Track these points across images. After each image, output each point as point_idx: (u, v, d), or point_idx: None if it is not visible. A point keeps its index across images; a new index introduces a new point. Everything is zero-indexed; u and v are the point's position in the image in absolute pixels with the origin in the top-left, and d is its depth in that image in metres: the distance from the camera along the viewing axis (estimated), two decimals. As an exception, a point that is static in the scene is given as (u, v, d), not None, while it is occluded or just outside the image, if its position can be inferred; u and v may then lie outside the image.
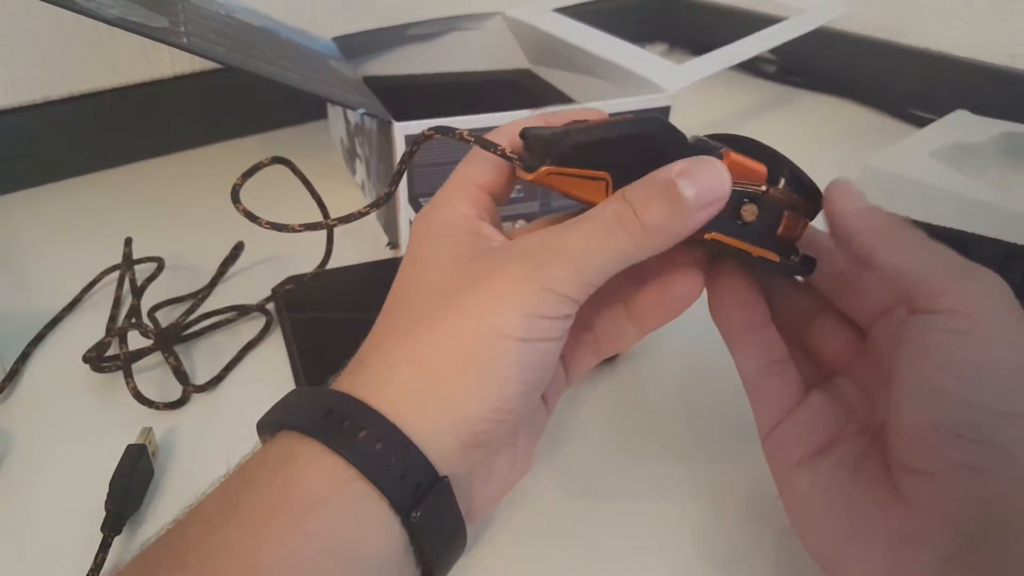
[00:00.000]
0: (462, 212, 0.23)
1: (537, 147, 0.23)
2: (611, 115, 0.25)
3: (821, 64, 0.72)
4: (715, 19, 0.80)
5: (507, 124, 0.25)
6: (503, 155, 0.23)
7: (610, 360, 0.35)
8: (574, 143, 0.21)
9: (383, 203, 0.26)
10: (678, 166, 0.20)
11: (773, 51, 0.71)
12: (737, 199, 0.21)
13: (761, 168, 0.22)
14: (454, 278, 0.21)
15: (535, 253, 0.20)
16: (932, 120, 0.59)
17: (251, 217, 0.27)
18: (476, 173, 0.24)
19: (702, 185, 0.20)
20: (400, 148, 0.40)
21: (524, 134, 0.24)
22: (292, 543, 0.17)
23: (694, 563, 0.26)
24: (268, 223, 0.27)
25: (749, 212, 0.22)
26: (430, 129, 0.24)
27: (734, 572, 0.26)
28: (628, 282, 0.24)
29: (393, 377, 0.20)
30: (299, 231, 0.27)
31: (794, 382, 0.24)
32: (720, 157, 0.21)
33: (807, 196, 0.23)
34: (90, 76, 0.53)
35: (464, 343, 0.19)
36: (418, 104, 0.54)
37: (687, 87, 0.47)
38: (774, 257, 0.22)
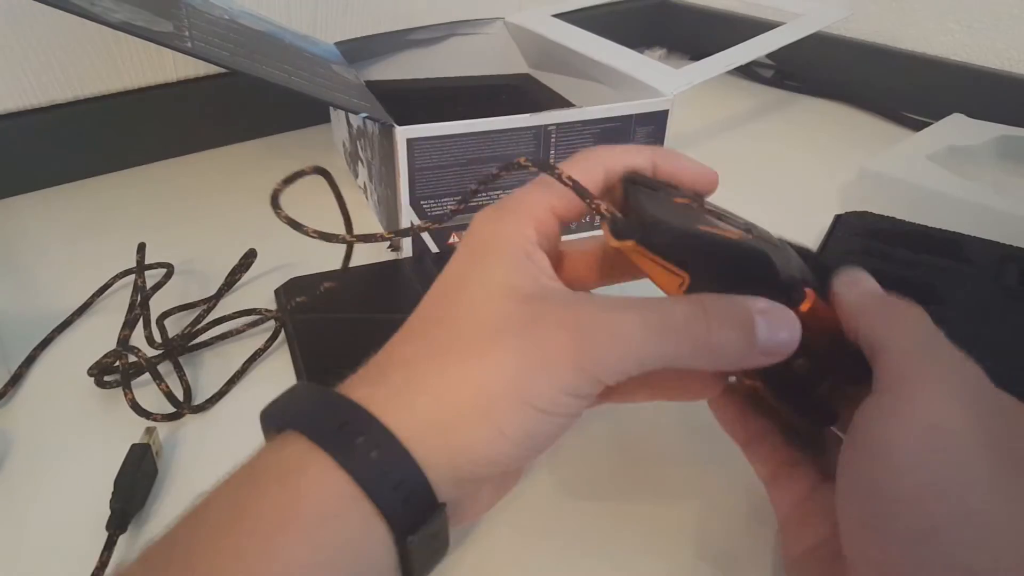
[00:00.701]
0: (525, 233, 0.22)
1: (633, 209, 0.22)
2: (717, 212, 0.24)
3: (818, 69, 0.72)
4: (713, 24, 0.80)
5: (606, 150, 0.24)
6: (596, 210, 0.22)
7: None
8: (672, 241, 0.21)
9: (449, 220, 0.26)
10: (761, 304, 0.20)
11: (770, 56, 0.72)
12: (798, 350, 0.21)
13: (836, 320, 0.21)
14: (498, 314, 0.20)
15: (589, 331, 0.20)
16: (928, 124, 0.59)
17: (295, 225, 0.26)
18: (553, 195, 0.23)
19: (775, 333, 0.20)
20: (401, 151, 0.41)
21: (629, 181, 0.23)
22: (299, 555, 0.17)
23: (692, 564, 0.26)
24: (316, 232, 0.26)
25: (801, 366, 0.21)
26: (526, 160, 0.24)
27: (732, 573, 0.26)
28: None
29: (412, 403, 0.20)
30: (351, 241, 0.26)
31: (804, 480, 0.24)
32: (804, 296, 0.21)
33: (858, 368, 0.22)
34: (95, 80, 0.53)
35: (487, 398, 0.19)
36: (420, 108, 0.55)
37: (685, 91, 0.48)
38: (804, 426, 0.22)
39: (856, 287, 0.22)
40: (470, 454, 0.19)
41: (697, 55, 0.54)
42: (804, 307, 0.21)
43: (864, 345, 0.21)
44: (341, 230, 0.26)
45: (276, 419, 0.20)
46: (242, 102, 0.59)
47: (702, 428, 0.32)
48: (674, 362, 0.20)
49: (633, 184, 0.23)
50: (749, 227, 0.23)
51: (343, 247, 0.40)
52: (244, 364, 0.35)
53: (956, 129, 0.56)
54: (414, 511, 0.19)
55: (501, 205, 0.23)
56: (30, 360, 0.36)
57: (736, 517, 0.28)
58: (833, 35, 0.71)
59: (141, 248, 0.41)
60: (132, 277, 0.41)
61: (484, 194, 0.29)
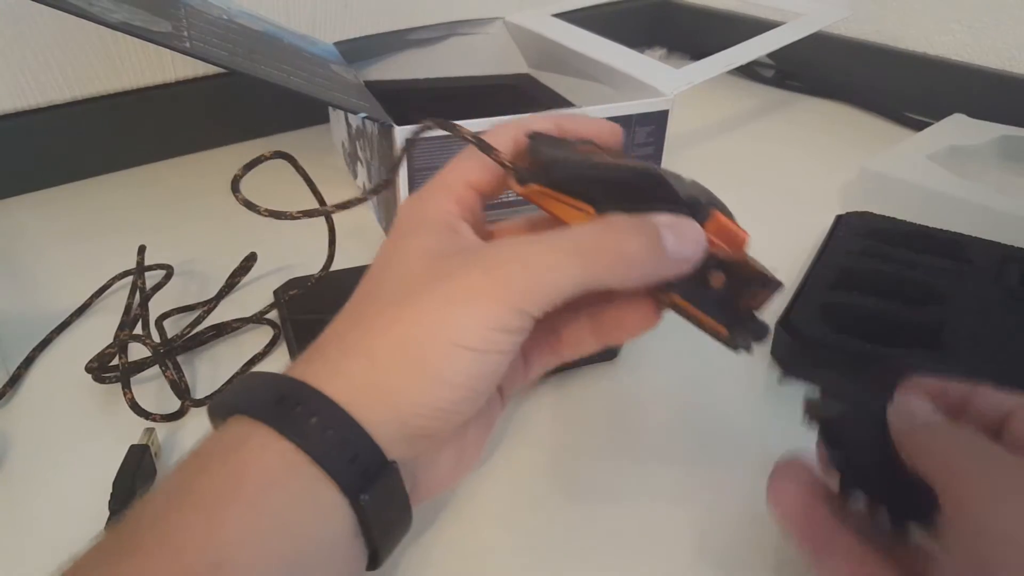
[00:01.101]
0: (445, 208, 0.23)
1: (536, 159, 0.23)
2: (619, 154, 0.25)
3: (819, 68, 0.72)
4: (713, 24, 0.80)
5: (514, 121, 0.25)
6: (498, 160, 0.23)
7: (610, 360, 0.36)
8: (569, 173, 0.22)
9: (381, 190, 0.27)
10: (664, 217, 0.21)
11: (771, 56, 0.72)
12: (710, 263, 0.22)
13: (743, 235, 0.22)
14: (420, 273, 0.21)
15: (503, 264, 0.20)
16: (929, 124, 0.59)
17: (250, 206, 0.28)
18: (469, 170, 0.24)
19: (680, 242, 0.21)
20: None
21: (532, 137, 0.24)
22: (246, 523, 0.18)
23: (693, 566, 0.26)
24: (267, 211, 0.27)
25: (717, 279, 0.22)
26: (432, 120, 0.24)
27: (732, 573, 0.26)
28: (593, 295, 0.24)
29: (347, 369, 0.20)
30: (297, 217, 0.27)
31: None
32: (708, 215, 0.22)
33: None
34: (93, 80, 0.53)
35: (417, 346, 0.20)
36: (419, 108, 0.55)
37: (685, 91, 0.48)
38: (723, 332, 0.22)
39: (909, 419, 0.21)
40: (411, 406, 0.20)
41: (697, 55, 0.54)
42: (707, 223, 0.22)
43: (924, 473, 0.20)
44: (348, 208, 0.27)
45: (221, 408, 0.21)
46: (241, 102, 0.59)
47: (702, 428, 0.32)
48: (591, 282, 0.20)
49: (536, 138, 0.24)
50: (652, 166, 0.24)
51: (343, 248, 0.40)
52: (243, 367, 0.35)
53: (957, 129, 0.56)
54: (363, 470, 0.19)
55: (422, 187, 0.24)
56: (29, 361, 0.36)
57: (736, 517, 0.28)
58: (834, 35, 0.71)
59: (141, 250, 0.41)
60: (131, 278, 0.40)
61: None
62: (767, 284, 0.23)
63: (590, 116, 0.26)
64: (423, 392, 0.20)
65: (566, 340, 0.26)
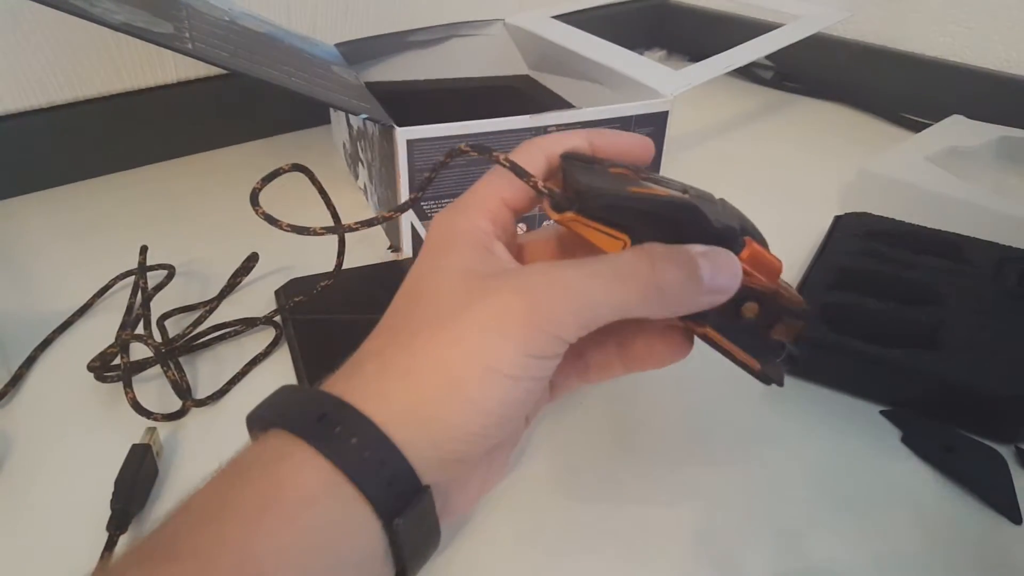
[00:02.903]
0: (480, 226, 0.23)
1: (570, 183, 0.23)
2: (655, 175, 0.24)
3: (817, 70, 0.72)
4: (712, 25, 0.80)
5: (546, 138, 0.25)
6: (535, 187, 0.23)
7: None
8: (607, 204, 0.22)
9: (407, 208, 0.26)
10: (701, 247, 0.21)
11: (770, 57, 0.72)
12: (744, 293, 0.22)
13: (777, 264, 0.22)
14: (459, 294, 0.21)
15: (541, 289, 0.20)
16: (928, 125, 0.59)
17: (271, 220, 0.27)
18: (503, 187, 0.24)
19: (717, 273, 0.21)
20: (402, 152, 0.41)
21: (565, 158, 0.24)
22: (282, 538, 0.18)
23: (692, 564, 0.26)
24: (288, 226, 0.27)
25: (750, 310, 0.22)
26: (466, 145, 0.24)
27: (732, 574, 0.26)
28: (624, 322, 0.24)
29: (386, 389, 0.20)
30: (320, 234, 0.27)
31: None
32: (743, 244, 0.22)
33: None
34: (95, 81, 0.53)
35: (454, 370, 0.20)
36: (420, 109, 0.55)
37: (685, 92, 0.48)
38: (755, 366, 0.22)
39: None
40: (447, 430, 0.20)
41: (697, 56, 0.54)
42: (743, 252, 0.22)
43: None
44: (372, 226, 0.27)
45: (260, 421, 0.21)
46: (242, 103, 0.59)
47: (703, 428, 0.32)
48: (627, 310, 0.21)
49: (569, 161, 0.24)
50: (685, 188, 0.24)
51: (344, 248, 0.40)
52: (245, 367, 0.35)
53: (956, 130, 0.56)
54: (398, 493, 0.19)
55: (456, 202, 0.24)
56: (30, 361, 0.36)
57: (736, 517, 0.28)
58: (832, 36, 0.71)
59: (143, 250, 0.41)
60: (133, 278, 0.41)
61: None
62: (799, 315, 0.23)
63: (621, 132, 0.26)
64: (457, 415, 0.20)
65: (594, 366, 0.26)
